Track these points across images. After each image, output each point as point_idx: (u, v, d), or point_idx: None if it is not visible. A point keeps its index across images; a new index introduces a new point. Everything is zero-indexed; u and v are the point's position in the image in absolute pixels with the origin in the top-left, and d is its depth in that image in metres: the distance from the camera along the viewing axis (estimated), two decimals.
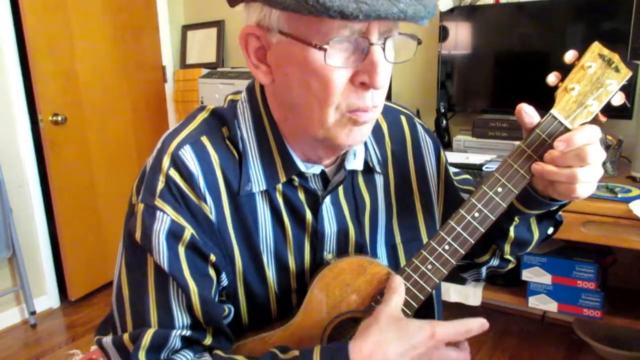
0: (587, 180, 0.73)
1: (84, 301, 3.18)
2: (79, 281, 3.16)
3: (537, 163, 0.75)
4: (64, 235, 3.04)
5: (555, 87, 0.76)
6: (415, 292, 0.79)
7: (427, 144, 0.96)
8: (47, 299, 3.13)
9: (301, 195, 0.84)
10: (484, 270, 1.01)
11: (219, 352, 0.77)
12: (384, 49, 0.69)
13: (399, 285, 0.78)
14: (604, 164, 2.13)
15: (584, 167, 0.72)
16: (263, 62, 0.76)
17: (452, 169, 1.01)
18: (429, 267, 0.79)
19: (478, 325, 0.75)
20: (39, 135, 2.91)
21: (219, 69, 3.32)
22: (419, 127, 0.97)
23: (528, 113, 0.77)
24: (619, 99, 0.76)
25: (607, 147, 2.17)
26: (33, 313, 2.96)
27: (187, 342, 0.78)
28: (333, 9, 0.62)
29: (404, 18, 0.65)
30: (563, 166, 0.73)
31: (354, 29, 0.67)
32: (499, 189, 0.77)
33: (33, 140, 2.97)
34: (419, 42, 0.74)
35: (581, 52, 0.76)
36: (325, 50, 0.67)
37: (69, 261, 3.07)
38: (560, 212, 0.90)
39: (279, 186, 0.82)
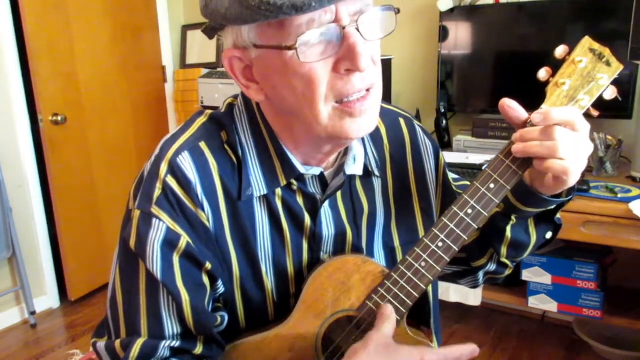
0: (570, 146, 0.72)
1: (84, 301, 3.18)
2: (79, 281, 3.16)
3: (517, 143, 0.74)
4: (64, 235, 3.04)
5: (547, 83, 0.76)
6: (410, 289, 0.79)
7: (427, 147, 0.96)
8: (47, 299, 3.13)
9: (300, 200, 0.83)
10: (481, 275, 1.00)
11: None
12: (358, 30, 0.68)
13: (390, 313, 0.78)
14: (603, 163, 2.14)
15: (566, 135, 0.72)
16: (252, 81, 0.76)
17: (452, 175, 1.00)
18: (423, 264, 0.78)
19: (469, 351, 0.75)
20: (39, 135, 2.91)
21: (219, 69, 3.31)
22: (419, 130, 0.96)
23: (512, 107, 0.77)
24: (610, 93, 0.76)
25: (607, 147, 2.17)
26: (33, 313, 2.96)
27: (176, 352, 0.78)
28: (285, 6, 0.62)
29: None
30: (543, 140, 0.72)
31: (322, 19, 0.67)
32: (491, 185, 0.77)
33: (33, 140, 2.97)
34: (397, 12, 0.73)
35: None
36: (296, 49, 0.66)
37: (69, 261, 3.08)
38: (559, 215, 0.89)
39: (278, 191, 0.82)
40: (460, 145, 2.57)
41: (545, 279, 2.26)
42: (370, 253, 0.89)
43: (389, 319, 0.77)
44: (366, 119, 0.74)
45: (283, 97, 0.73)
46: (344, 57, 0.69)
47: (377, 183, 0.91)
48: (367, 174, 0.89)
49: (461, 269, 1.00)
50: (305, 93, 0.70)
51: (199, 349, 0.79)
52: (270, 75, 0.73)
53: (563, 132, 0.72)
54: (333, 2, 0.64)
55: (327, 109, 0.72)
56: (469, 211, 0.77)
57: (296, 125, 0.78)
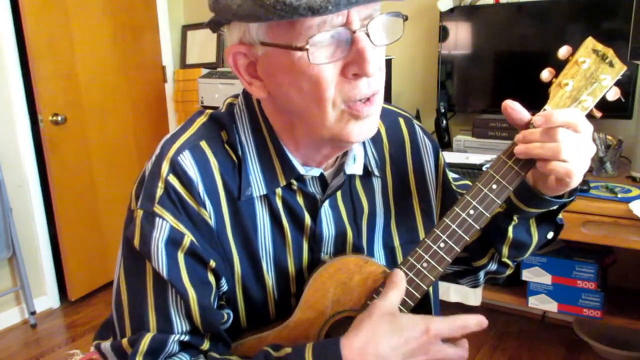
0: (573, 148, 0.72)
1: (84, 301, 3.18)
2: (79, 281, 3.16)
3: (520, 145, 0.74)
4: (64, 235, 3.04)
5: (550, 83, 0.76)
6: (412, 290, 0.79)
7: (427, 147, 0.96)
8: (47, 299, 3.13)
9: (300, 200, 0.84)
10: (481, 275, 1.00)
11: (213, 353, 0.77)
12: (368, 35, 0.68)
13: (400, 279, 0.77)
14: (603, 163, 2.15)
15: (569, 138, 0.72)
16: (255, 77, 0.76)
17: (452, 175, 1.00)
18: (425, 265, 0.78)
19: (475, 321, 0.74)
20: (39, 135, 2.91)
21: (219, 69, 3.31)
22: (418, 130, 0.96)
23: (514, 109, 0.77)
24: (613, 94, 0.76)
25: (607, 147, 2.17)
26: (33, 313, 2.96)
27: (184, 346, 0.78)
28: (301, 7, 0.62)
29: None
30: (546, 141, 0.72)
31: (333, 22, 0.66)
32: (494, 186, 0.77)
33: (33, 140, 2.97)
34: (405, 19, 0.73)
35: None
36: (306, 50, 0.66)
37: (69, 261, 3.07)
38: (561, 215, 0.89)
39: (279, 190, 0.82)
40: (460, 145, 2.57)
41: (545, 279, 2.26)
42: (371, 253, 0.89)
43: (397, 287, 0.76)
44: (368, 123, 0.75)
45: (288, 96, 0.73)
46: (353, 62, 0.69)
47: (376, 183, 0.91)
48: (367, 173, 0.89)
49: (462, 268, 1.00)
50: (312, 94, 0.70)
51: (205, 345, 0.79)
52: (275, 73, 0.73)
53: (566, 133, 0.71)
54: (349, 5, 0.63)
55: (334, 112, 0.72)
56: (471, 212, 0.77)
57: (298, 125, 0.78)
